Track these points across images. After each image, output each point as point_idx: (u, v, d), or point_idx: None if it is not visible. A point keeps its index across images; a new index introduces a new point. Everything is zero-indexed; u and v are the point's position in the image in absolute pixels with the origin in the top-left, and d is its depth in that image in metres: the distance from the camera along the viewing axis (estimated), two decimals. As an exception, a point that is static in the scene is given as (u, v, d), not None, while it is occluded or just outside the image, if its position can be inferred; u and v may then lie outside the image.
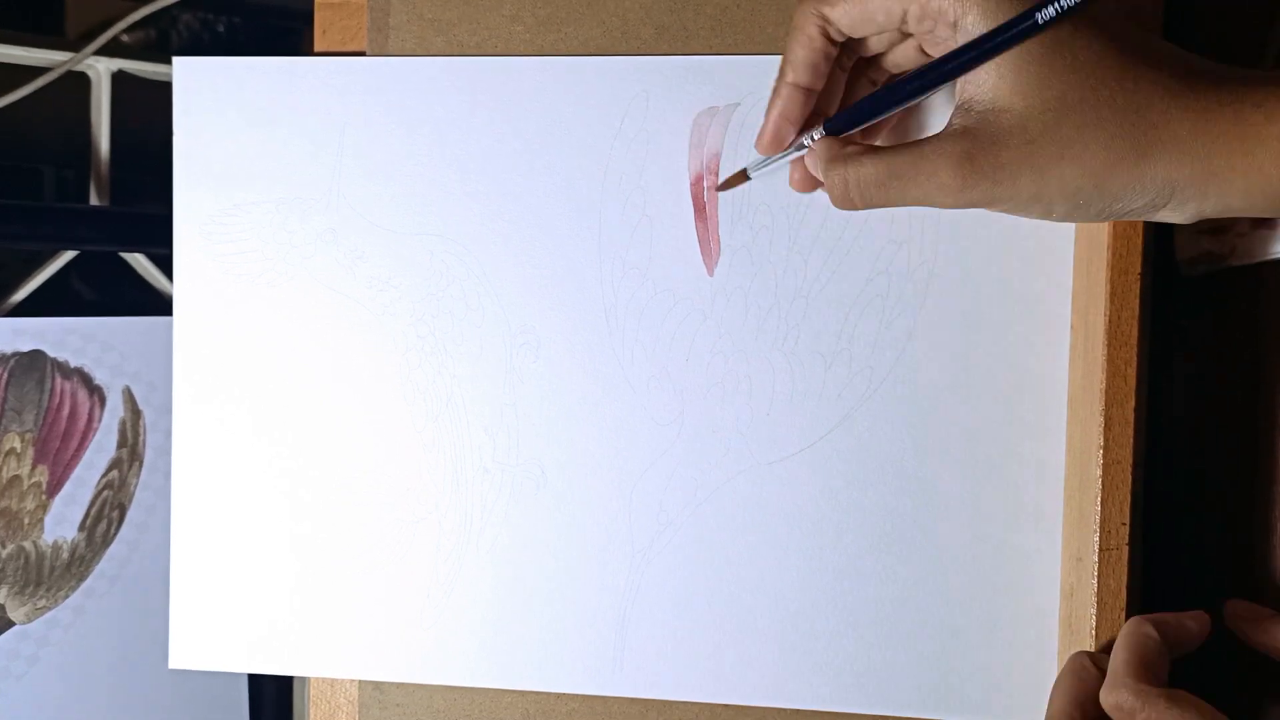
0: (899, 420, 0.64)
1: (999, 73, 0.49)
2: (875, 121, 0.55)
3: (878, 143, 0.58)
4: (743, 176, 0.61)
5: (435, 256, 0.66)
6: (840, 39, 0.54)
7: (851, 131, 0.55)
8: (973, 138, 0.50)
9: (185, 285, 0.69)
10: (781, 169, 0.61)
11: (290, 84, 0.67)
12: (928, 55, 0.54)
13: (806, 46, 0.54)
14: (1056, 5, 0.48)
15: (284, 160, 0.68)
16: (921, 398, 0.64)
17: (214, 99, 0.68)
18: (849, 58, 0.56)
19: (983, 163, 0.50)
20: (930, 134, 0.53)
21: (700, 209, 0.64)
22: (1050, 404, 0.63)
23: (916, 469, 0.64)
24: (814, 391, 0.64)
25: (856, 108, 0.55)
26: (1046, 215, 0.53)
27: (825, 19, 0.53)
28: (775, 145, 0.58)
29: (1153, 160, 0.49)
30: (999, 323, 0.63)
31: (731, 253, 0.64)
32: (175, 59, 0.69)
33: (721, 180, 0.64)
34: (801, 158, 0.58)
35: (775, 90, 0.56)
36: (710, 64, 0.64)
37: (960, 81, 0.51)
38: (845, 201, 0.54)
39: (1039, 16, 0.48)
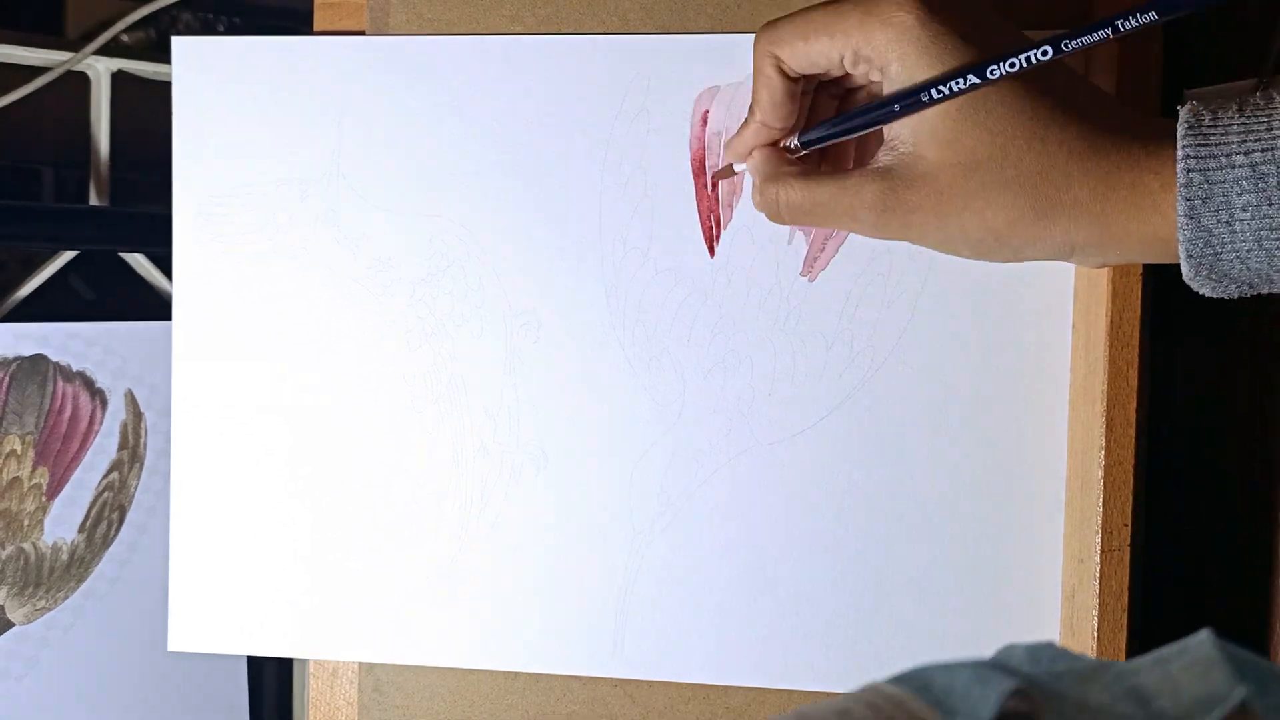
0: (900, 401, 0.64)
1: (918, 119, 0.52)
2: (830, 143, 0.57)
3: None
4: (729, 170, 0.62)
5: (435, 237, 0.66)
6: (795, 75, 0.55)
7: (813, 148, 0.58)
8: (890, 179, 0.53)
9: (185, 266, 0.69)
10: None
11: (290, 64, 0.67)
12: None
13: (768, 87, 0.56)
14: (1001, 66, 0.49)
15: (284, 141, 0.68)
16: (923, 379, 0.63)
17: (214, 79, 0.68)
18: (810, 82, 0.58)
19: (895, 205, 0.53)
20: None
21: (701, 189, 0.64)
22: (1051, 402, 0.63)
23: (918, 450, 0.63)
24: (815, 372, 0.64)
25: (814, 129, 0.57)
26: (955, 255, 0.55)
27: (778, 59, 0.55)
28: (737, 159, 0.60)
29: (1052, 221, 0.51)
30: (1001, 302, 0.63)
31: (733, 233, 0.64)
32: (174, 39, 0.68)
33: (718, 169, 0.64)
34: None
35: (746, 122, 0.58)
36: (711, 43, 0.64)
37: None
38: (771, 215, 0.57)
39: (989, 72, 0.50)
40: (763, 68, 0.55)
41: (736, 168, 0.60)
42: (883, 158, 0.54)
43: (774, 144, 0.58)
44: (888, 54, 0.51)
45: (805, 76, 0.56)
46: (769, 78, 0.55)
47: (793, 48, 0.54)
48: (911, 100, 0.51)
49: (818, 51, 0.53)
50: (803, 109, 0.58)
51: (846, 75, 0.55)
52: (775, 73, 0.55)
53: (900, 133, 0.53)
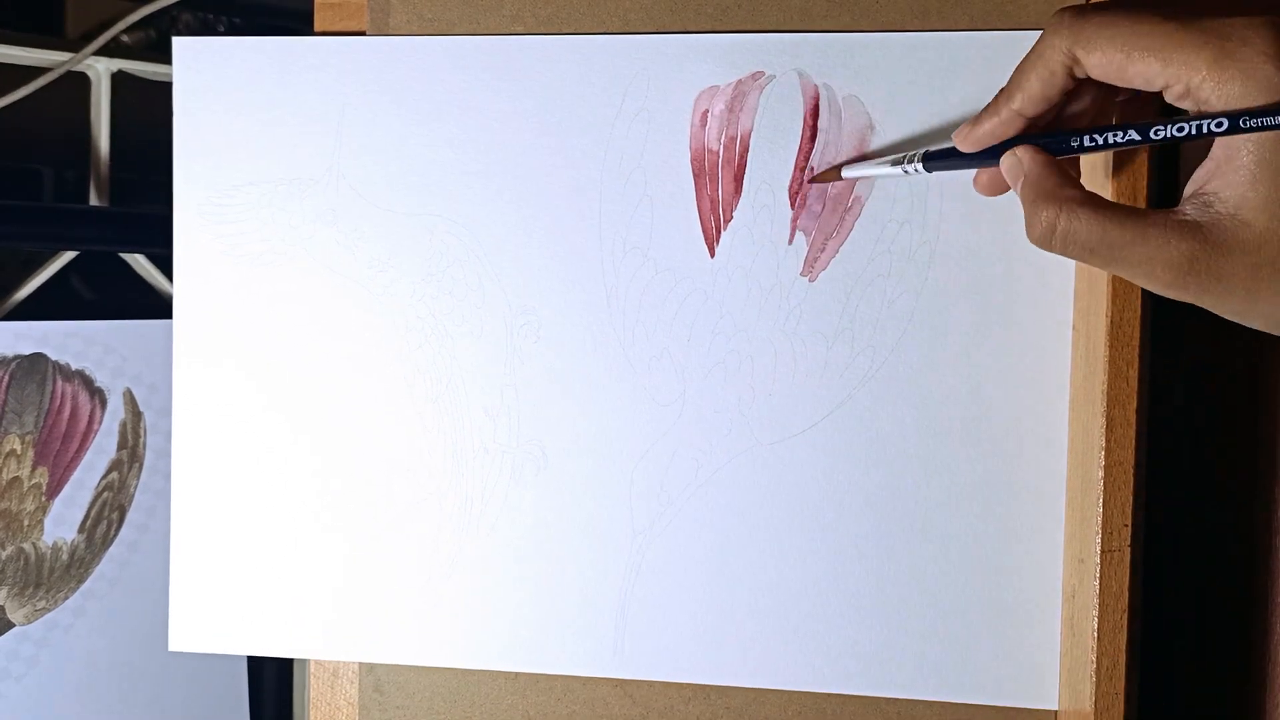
0: (901, 401, 0.63)
1: (1254, 180, 0.46)
2: (1092, 152, 0.52)
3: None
4: (835, 174, 0.59)
5: (436, 236, 0.66)
6: (1083, 77, 0.50)
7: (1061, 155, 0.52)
8: (1202, 240, 0.47)
9: (185, 266, 0.69)
10: (878, 173, 0.61)
11: (290, 64, 0.67)
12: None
13: (1045, 81, 0.50)
14: None
15: (284, 140, 0.68)
16: (923, 379, 0.63)
17: (214, 79, 0.68)
18: (1082, 90, 0.52)
19: (1202, 270, 0.47)
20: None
21: (701, 189, 0.64)
22: (1051, 402, 0.63)
23: (918, 450, 0.63)
24: (816, 372, 0.64)
25: (1077, 135, 0.51)
26: (1247, 325, 0.50)
27: (1076, 60, 0.49)
28: (975, 147, 0.54)
29: None
30: (1001, 302, 0.63)
31: (733, 233, 0.64)
32: (175, 39, 0.68)
33: (816, 174, 0.63)
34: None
35: (995, 107, 0.53)
36: (711, 43, 0.64)
37: (1206, 172, 0.48)
38: (1044, 242, 0.50)
39: None
40: (1049, 59, 0.49)
41: (846, 173, 0.57)
42: (1191, 212, 0.47)
43: (1040, 151, 0.52)
44: (1239, 105, 0.45)
45: (1081, 84, 0.51)
46: (1053, 74, 0.49)
47: (1105, 56, 0.48)
48: (1244, 119, 0.45)
49: (1137, 72, 0.47)
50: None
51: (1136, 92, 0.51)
52: (1063, 70, 0.49)
53: (1220, 189, 0.47)
